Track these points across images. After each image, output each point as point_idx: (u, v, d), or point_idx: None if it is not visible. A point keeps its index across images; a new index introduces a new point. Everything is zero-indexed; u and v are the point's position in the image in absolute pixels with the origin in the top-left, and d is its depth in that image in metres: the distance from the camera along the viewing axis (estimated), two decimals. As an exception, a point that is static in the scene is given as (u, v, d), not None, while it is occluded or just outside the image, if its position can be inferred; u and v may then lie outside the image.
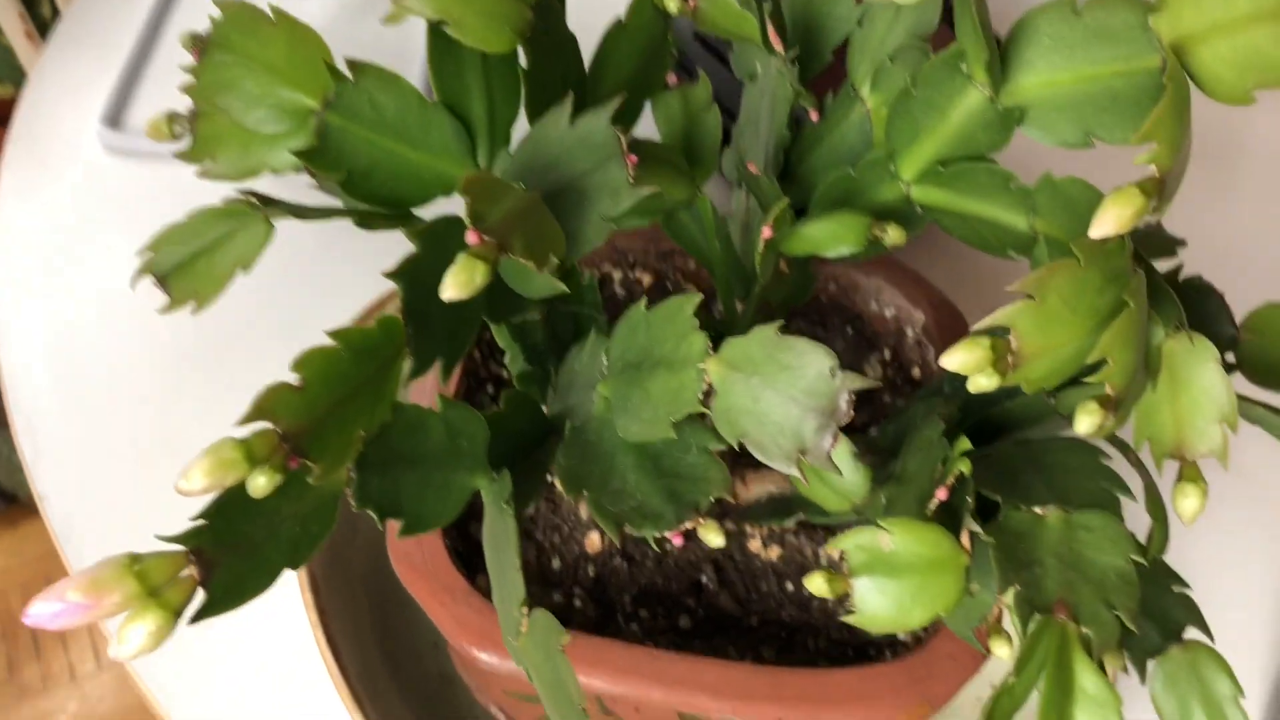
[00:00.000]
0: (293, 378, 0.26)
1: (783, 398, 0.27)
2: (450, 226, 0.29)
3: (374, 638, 0.48)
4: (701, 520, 0.29)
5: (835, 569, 0.28)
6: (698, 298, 0.29)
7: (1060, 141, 0.30)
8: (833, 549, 0.28)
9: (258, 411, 0.25)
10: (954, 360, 0.26)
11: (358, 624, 0.47)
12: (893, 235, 0.33)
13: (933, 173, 0.33)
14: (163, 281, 0.32)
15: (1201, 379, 0.29)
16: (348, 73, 0.33)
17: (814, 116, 0.38)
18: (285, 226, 0.33)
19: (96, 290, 0.64)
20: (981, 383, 0.26)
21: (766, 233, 0.32)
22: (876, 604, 0.28)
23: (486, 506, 0.32)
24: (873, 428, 0.46)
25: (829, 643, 0.40)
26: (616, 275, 0.49)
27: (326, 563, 0.47)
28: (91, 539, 0.55)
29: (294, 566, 0.28)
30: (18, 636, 1.34)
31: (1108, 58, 0.29)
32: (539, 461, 0.35)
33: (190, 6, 0.74)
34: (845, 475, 0.33)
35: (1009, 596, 0.27)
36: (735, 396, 0.28)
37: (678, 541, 0.29)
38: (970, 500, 0.29)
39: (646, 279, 0.49)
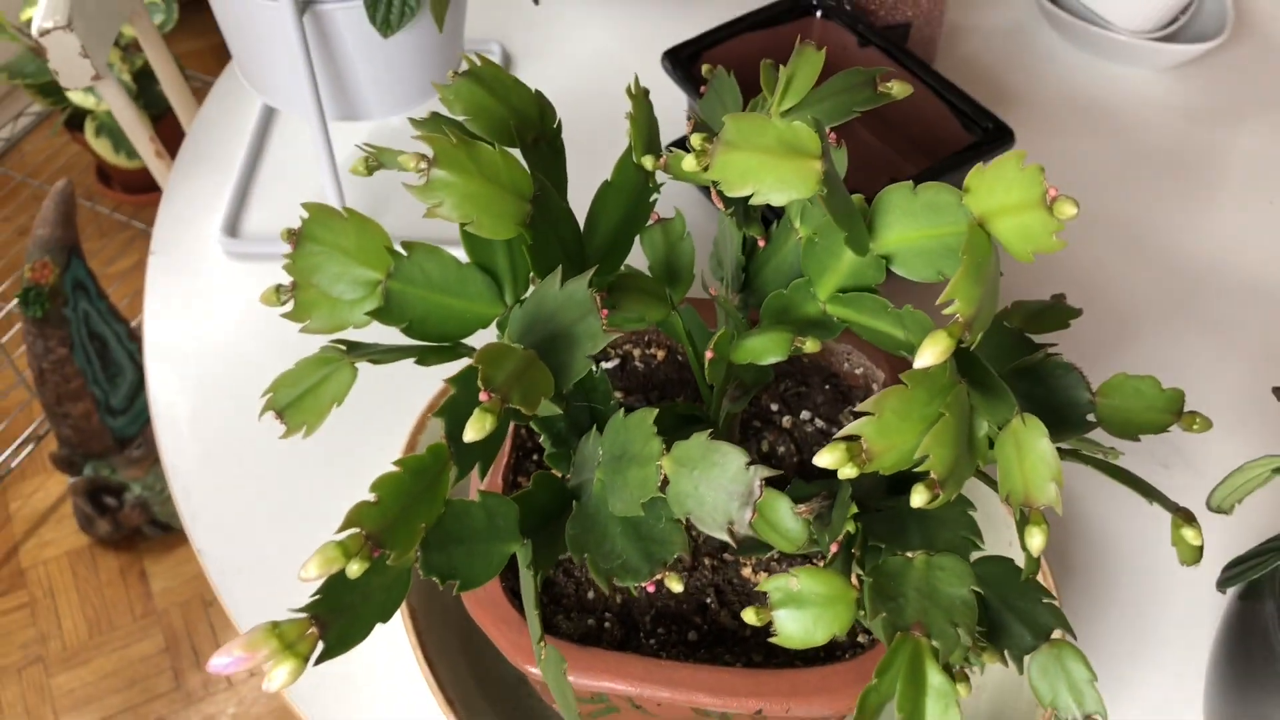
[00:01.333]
0: (370, 496, 0.38)
1: (714, 485, 0.39)
2: (474, 374, 0.41)
3: (460, 651, 0.61)
4: (667, 573, 0.40)
5: (764, 603, 0.40)
6: (655, 411, 0.41)
7: (920, 278, 0.41)
8: (762, 588, 0.40)
9: (348, 522, 0.37)
10: (823, 460, 0.36)
11: (447, 640, 0.60)
12: (809, 346, 0.43)
13: (837, 297, 0.43)
14: (280, 415, 0.45)
15: (1037, 449, 0.39)
16: (402, 250, 0.45)
17: (761, 243, 0.48)
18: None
19: (227, 371, 0.78)
20: (847, 472, 0.37)
21: (709, 355, 0.43)
22: (791, 628, 0.39)
23: (520, 567, 0.44)
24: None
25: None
26: (636, 353, 0.60)
27: (423, 596, 0.60)
28: (240, 583, 0.69)
29: (384, 620, 0.40)
30: (181, 650, 1.52)
31: (939, 222, 0.39)
32: (564, 524, 0.46)
33: (283, 126, 0.87)
34: (787, 526, 0.44)
35: (878, 621, 0.38)
36: (682, 485, 0.39)
37: (650, 589, 0.40)
38: (857, 552, 0.40)
39: (660, 354, 0.60)
